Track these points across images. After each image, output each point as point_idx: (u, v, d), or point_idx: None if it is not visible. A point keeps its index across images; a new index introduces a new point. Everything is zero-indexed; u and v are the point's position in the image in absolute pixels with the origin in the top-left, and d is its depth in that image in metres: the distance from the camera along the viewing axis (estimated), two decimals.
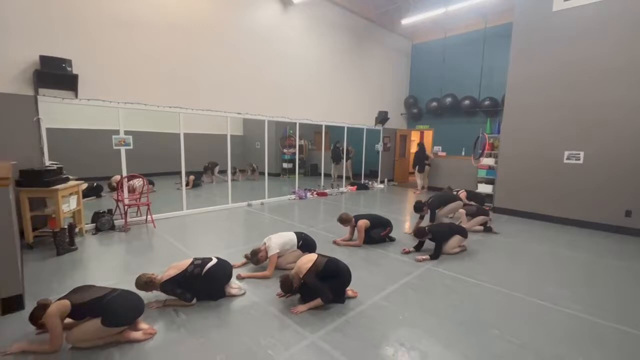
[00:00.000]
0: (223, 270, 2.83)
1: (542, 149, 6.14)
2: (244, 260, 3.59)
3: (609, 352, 2.25)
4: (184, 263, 2.73)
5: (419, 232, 4.05)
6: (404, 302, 2.85)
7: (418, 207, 4.91)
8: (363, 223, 4.31)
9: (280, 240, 3.45)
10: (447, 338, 2.34)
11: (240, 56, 6.34)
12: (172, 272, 2.64)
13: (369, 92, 9.45)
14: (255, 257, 3.35)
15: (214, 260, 2.81)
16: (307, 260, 2.75)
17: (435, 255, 3.89)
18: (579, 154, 5.74)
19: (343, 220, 4.36)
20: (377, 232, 4.41)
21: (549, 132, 6.05)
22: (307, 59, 7.66)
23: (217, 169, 9.68)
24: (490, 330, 2.46)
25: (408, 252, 4.06)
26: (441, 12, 7.63)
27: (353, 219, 4.38)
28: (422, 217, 4.95)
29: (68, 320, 2.16)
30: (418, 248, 4.14)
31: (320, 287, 2.61)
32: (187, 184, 6.33)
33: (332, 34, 8.19)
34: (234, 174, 7.65)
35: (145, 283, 2.56)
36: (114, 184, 7.12)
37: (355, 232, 4.44)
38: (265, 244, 3.43)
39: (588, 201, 5.68)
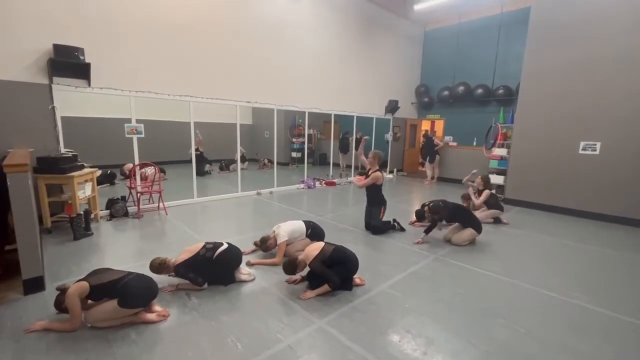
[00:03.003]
0: (233, 255, 2.90)
1: (557, 139, 5.98)
2: (253, 247, 3.65)
3: (616, 343, 2.24)
4: (196, 247, 2.81)
5: (433, 209, 4.07)
6: (411, 290, 2.88)
7: (420, 215, 4.89)
8: (378, 176, 4.33)
9: (289, 228, 3.49)
10: (453, 326, 2.36)
11: (249, 44, 6.29)
12: (185, 255, 2.72)
13: (379, 80, 9.30)
14: (265, 245, 3.40)
15: (225, 245, 2.88)
16: (314, 248, 2.79)
17: (432, 226, 4.04)
18: (596, 144, 5.58)
19: (376, 155, 4.39)
20: (376, 212, 4.40)
21: (565, 122, 5.88)
22: (316, 46, 7.55)
23: (232, 167, 9.78)
24: (496, 319, 2.47)
25: (420, 243, 4.05)
26: None
27: (379, 161, 4.42)
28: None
29: (89, 302, 2.27)
30: (427, 232, 4.12)
31: (328, 273, 2.65)
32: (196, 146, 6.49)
33: (342, 20, 8.03)
34: (243, 162, 7.83)
35: (159, 265, 2.64)
36: (127, 172, 7.28)
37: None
38: (274, 231, 3.48)
39: (604, 193, 5.54)
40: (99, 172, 4.84)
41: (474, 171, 5.47)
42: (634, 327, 2.45)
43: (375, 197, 4.44)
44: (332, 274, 2.66)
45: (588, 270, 3.51)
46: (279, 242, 3.38)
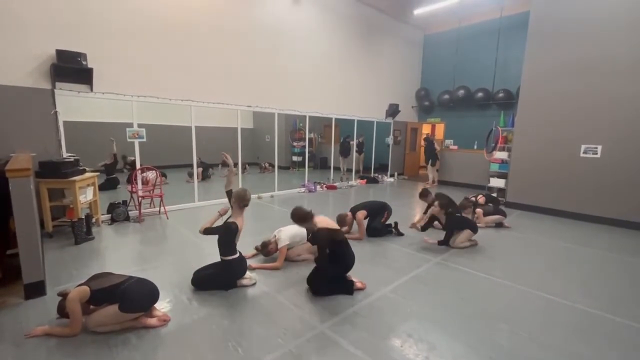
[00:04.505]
0: (243, 265, 2.93)
1: (558, 143, 5.98)
2: (254, 251, 3.65)
3: (619, 347, 2.23)
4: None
5: (422, 193, 4.69)
6: (413, 294, 2.87)
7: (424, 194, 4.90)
8: (362, 214, 4.30)
9: (290, 232, 3.49)
10: (454, 330, 2.35)
11: (251, 49, 6.34)
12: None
13: (379, 84, 9.34)
14: (266, 249, 3.40)
15: (238, 254, 2.91)
16: (331, 222, 2.87)
17: (445, 241, 3.94)
18: (597, 147, 5.57)
19: (341, 220, 4.29)
20: (378, 221, 4.39)
21: (566, 125, 5.88)
22: (317, 51, 7.60)
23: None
24: (498, 323, 2.45)
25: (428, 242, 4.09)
26: (456, 1, 7.43)
27: (350, 214, 4.38)
28: (426, 212, 4.96)
29: (92, 307, 2.26)
30: (425, 229, 4.20)
31: (324, 256, 2.70)
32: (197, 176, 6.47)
33: (342, 25, 8.09)
34: (244, 169, 7.86)
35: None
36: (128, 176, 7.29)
37: (355, 225, 4.44)
38: (275, 236, 3.48)
39: (605, 196, 5.52)
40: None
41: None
42: (636, 330, 2.43)
43: (376, 213, 4.44)
44: (326, 260, 2.70)
45: (589, 273, 3.49)
46: (280, 246, 3.37)
